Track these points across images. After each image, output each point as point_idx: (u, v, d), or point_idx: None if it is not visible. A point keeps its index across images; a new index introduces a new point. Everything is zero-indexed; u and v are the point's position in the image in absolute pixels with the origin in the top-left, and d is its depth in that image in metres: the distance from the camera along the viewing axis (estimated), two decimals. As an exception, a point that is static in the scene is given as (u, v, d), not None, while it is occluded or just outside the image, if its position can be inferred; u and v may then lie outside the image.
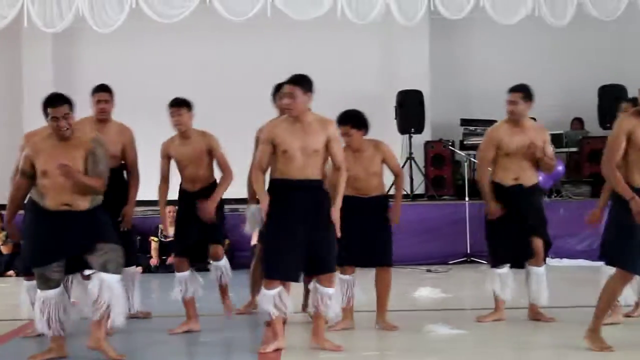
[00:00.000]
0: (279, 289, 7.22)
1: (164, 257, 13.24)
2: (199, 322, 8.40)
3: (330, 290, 7.30)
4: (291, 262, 7.16)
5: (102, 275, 6.96)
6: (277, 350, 7.25)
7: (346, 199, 7.51)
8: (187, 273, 8.42)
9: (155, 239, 13.28)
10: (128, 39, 15.48)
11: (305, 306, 8.57)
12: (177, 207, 8.76)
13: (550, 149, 8.57)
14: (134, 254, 9.22)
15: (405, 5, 14.29)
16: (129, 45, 15.93)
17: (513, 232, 8.49)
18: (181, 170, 8.49)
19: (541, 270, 8.63)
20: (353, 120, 8.09)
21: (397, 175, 8.44)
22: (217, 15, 14.10)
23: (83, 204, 7.01)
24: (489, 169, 8.64)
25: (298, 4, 14.14)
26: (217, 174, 8.59)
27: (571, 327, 8.15)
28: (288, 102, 7.26)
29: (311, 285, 7.46)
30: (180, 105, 8.37)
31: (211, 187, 8.44)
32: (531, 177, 8.61)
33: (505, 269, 8.63)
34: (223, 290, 8.74)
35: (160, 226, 13.37)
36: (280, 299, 7.21)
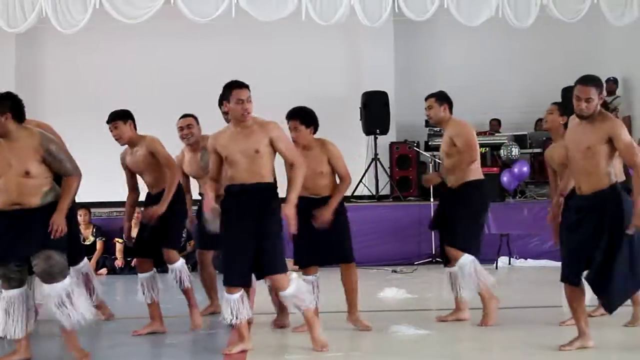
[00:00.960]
0: (240, 293, 7.18)
1: (128, 259, 13.17)
2: (163, 324, 8.36)
3: (285, 292, 7.22)
4: (241, 267, 7.15)
5: (45, 287, 6.93)
6: (243, 351, 7.23)
7: (300, 200, 7.54)
8: (147, 274, 8.35)
9: (120, 240, 13.19)
10: (92, 39, 15.40)
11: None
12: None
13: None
14: (80, 251, 9.04)
15: (369, 7, 14.30)
16: (93, 45, 15.84)
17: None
18: (140, 177, 8.47)
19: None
20: (301, 116, 8.02)
21: (342, 179, 8.13)
22: (182, 16, 14.04)
23: (34, 200, 6.90)
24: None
25: (263, 5, 14.10)
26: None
27: (536, 326, 8.20)
28: (248, 107, 7.21)
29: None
30: (113, 119, 8.27)
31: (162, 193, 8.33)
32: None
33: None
34: (187, 294, 8.54)
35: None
36: (242, 302, 7.17)
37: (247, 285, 7.35)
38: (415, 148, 15.54)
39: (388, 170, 15.56)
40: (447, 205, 8.68)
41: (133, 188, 8.54)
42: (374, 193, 15.37)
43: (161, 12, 13.94)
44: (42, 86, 15.94)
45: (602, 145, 6.84)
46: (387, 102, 15.62)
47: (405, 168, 15.54)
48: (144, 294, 8.32)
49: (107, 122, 8.29)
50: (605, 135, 6.83)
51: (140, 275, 8.39)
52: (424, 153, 15.33)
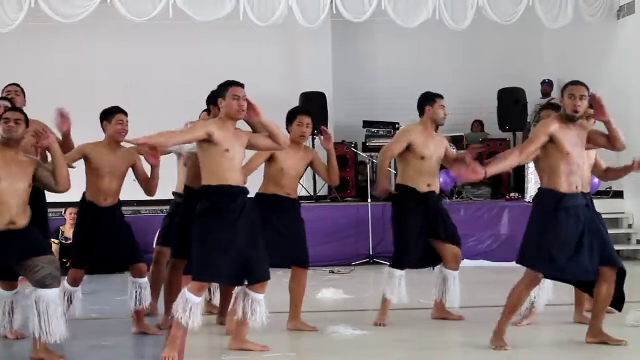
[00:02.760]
0: (202, 298, 7.12)
1: (64, 260, 13.02)
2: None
3: (262, 296, 7.23)
4: (227, 267, 7.03)
5: (40, 292, 6.88)
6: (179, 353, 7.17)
7: (268, 197, 7.62)
8: (77, 288, 8.12)
9: (56, 241, 13.07)
10: (27, 38, 15.23)
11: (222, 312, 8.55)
12: (78, 213, 8.40)
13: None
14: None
15: (307, 8, 14.32)
16: (29, 44, 15.67)
17: (422, 237, 8.67)
18: (96, 179, 8.06)
19: (456, 273, 8.84)
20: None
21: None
22: (119, 16, 13.94)
23: (23, 222, 6.99)
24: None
25: (200, 5, 14.06)
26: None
27: (473, 326, 8.28)
28: (244, 104, 7.30)
29: (237, 291, 7.40)
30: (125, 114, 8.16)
31: (120, 204, 8.19)
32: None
33: (404, 271, 8.70)
34: (139, 314, 8.24)
35: (62, 228, 13.20)
36: (199, 309, 7.07)
37: (230, 284, 7.38)
38: (353, 149, 15.57)
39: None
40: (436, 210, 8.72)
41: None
42: (312, 194, 15.39)
43: (98, 11, 13.82)
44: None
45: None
46: (325, 103, 15.65)
47: (344, 169, 15.53)
48: (64, 307, 7.74)
49: (120, 112, 8.14)
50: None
51: (69, 287, 8.07)
52: (362, 154, 15.38)
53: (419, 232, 8.57)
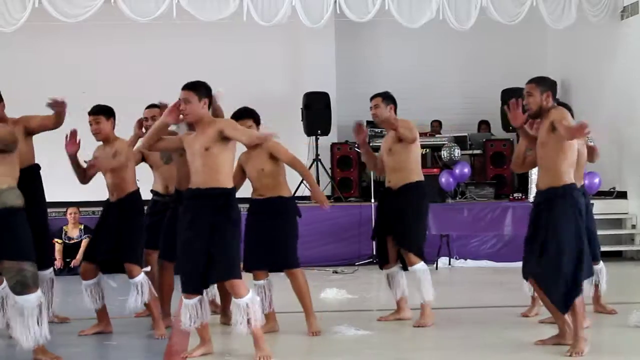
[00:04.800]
0: (198, 297, 7.05)
1: (67, 260, 13.05)
2: (110, 324, 8.29)
3: (240, 300, 7.01)
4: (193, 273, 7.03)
5: (15, 298, 6.87)
6: (204, 354, 7.16)
7: (249, 201, 7.52)
8: (92, 281, 8.20)
9: (60, 241, 13.08)
10: (32, 37, 15.24)
11: (224, 312, 8.57)
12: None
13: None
14: (49, 256, 8.99)
15: (311, 8, 14.30)
16: (32, 44, 15.68)
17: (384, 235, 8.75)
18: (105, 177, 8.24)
19: (418, 267, 8.55)
20: (249, 114, 8.06)
21: (293, 165, 8.07)
22: (122, 16, 13.94)
23: None
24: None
25: (204, 5, 14.05)
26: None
27: (475, 326, 8.26)
28: (184, 107, 7.03)
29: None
30: (97, 113, 8.17)
31: (129, 197, 8.20)
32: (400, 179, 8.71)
33: (394, 269, 8.73)
34: (149, 308, 8.28)
35: (64, 228, 13.20)
36: (200, 306, 7.04)
37: (197, 292, 7.08)
38: (356, 149, 15.54)
39: (329, 171, 15.59)
40: (389, 207, 8.70)
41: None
42: (315, 194, 15.37)
43: (101, 11, 13.83)
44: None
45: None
46: (328, 103, 15.64)
47: (347, 169, 15.56)
48: (91, 300, 8.18)
49: (89, 114, 8.17)
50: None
51: (85, 282, 8.21)
52: (365, 154, 15.35)
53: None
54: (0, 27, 13.83)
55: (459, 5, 14.49)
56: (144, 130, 8.76)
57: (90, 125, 8.14)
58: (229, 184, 7.03)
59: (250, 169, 8.00)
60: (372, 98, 8.83)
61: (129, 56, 15.99)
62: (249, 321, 6.98)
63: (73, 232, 13.07)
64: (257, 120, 8.07)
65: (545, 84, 7.39)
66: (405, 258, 8.58)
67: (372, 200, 13.61)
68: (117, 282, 8.56)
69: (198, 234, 6.93)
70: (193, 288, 7.02)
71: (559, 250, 7.02)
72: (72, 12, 13.85)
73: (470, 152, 15.86)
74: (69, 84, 15.26)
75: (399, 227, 8.54)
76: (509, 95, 16.04)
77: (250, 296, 7.05)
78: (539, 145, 7.23)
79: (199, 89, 7.07)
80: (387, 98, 8.77)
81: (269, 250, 8.00)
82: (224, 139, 6.92)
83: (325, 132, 15.61)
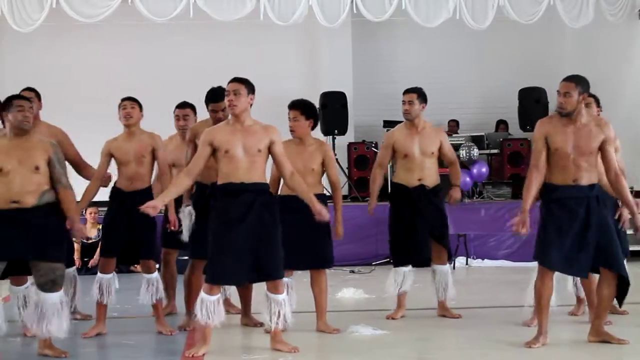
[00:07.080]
0: (218, 295, 7.09)
1: (85, 259, 13.08)
2: (105, 325, 8.28)
3: (279, 296, 7.16)
4: (234, 267, 7.00)
5: (41, 295, 7.00)
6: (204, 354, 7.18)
7: (282, 198, 7.59)
8: (109, 275, 8.23)
9: (78, 240, 13.10)
10: (50, 38, 15.30)
11: (245, 313, 8.56)
12: (108, 207, 8.45)
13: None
14: (71, 255, 9.03)
15: (327, 7, 14.32)
16: (51, 44, 15.75)
17: (413, 233, 8.85)
18: (120, 167, 8.27)
19: (445, 268, 8.89)
20: (303, 107, 8.13)
21: (336, 188, 8.41)
22: (139, 16, 13.97)
23: (31, 199, 6.98)
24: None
25: (220, 5, 14.07)
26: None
27: (493, 326, 8.25)
28: (232, 98, 7.20)
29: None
30: (133, 99, 8.30)
31: (147, 189, 8.24)
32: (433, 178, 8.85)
33: (407, 268, 8.91)
34: (157, 308, 8.34)
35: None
36: (218, 305, 7.07)
37: (238, 284, 7.31)
38: (373, 148, 15.55)
39: (346, 171, 15.58)
40: (426, 205, 8.83)
41: (99, 177, 8.33)
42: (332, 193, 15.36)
43: (118, 11, 13.87)
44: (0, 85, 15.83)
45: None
46: (345, 102, 15.65)
47: (364, 168, 15.53)
48: (101, 294, 8.20)
49: (123, 100, 8.30)
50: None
51: (102, 275, 8.21)
52: (382, 154, 15.34)
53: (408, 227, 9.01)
54: (17, 27, 13.89)
55: (476, 5, 14.48)
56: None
57: (125, 109, 8.22)
58: (265, 180, 7.25)
59: (298, 163, 7.95)
60: (406, 92, 8.81)
61: (145, 56, 16.04)
62: (284, 317, 7.14)
63: (91, 231, 13.10)
64: (305, 112, 8.15)
65: (584, 85, 7.36)
66: (440, 256, 8.90)
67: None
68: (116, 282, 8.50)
69: (243, 228, 6.96)
70: (225, 280, 7.15)
71: (612, 241, 7.15)
72: (89, 12, 13.89)
73: (488, 151, 15.83)
74: (86, 84, 15.36)
75: (442, 226, 8.90)
76: (527, 94, 16.10)
77: (286, 293, 7.27)
78: (574, 147, 7.19)
79: (248, 83, 7.35)
80: (422, 96, 8.84)
81: (310, 249, 8.02)
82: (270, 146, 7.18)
83: (342, 131, 15.62)
